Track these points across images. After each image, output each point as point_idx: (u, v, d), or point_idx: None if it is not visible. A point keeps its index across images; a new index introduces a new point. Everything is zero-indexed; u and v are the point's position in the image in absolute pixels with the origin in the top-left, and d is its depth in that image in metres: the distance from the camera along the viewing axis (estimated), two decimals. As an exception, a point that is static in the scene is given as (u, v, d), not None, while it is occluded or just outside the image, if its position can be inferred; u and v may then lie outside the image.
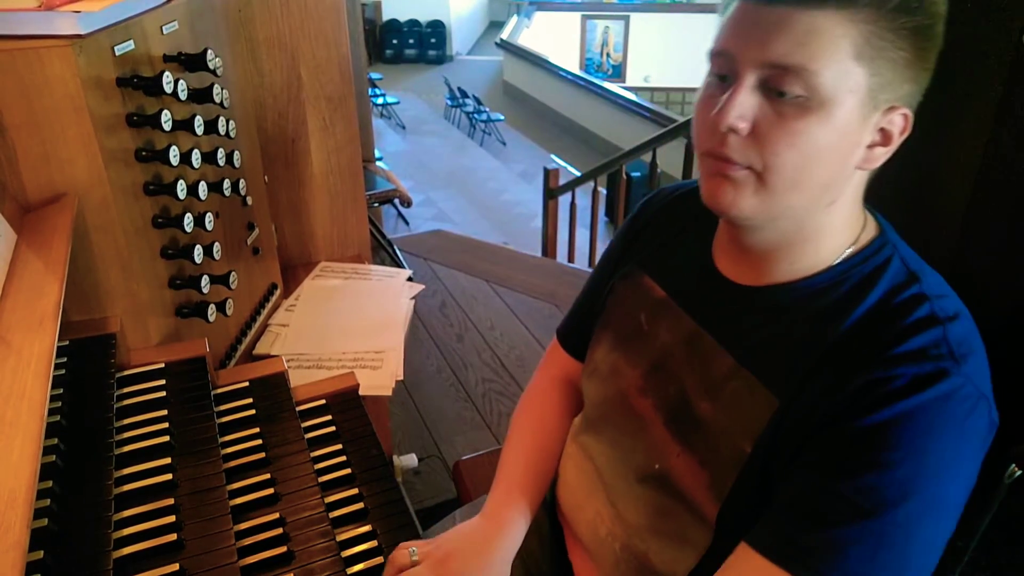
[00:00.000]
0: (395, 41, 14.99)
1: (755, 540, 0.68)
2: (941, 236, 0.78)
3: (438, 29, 15.05)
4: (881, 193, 0.76)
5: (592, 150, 9.31)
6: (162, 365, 1.06)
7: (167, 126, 1.03)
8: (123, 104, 0.98)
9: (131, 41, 0.99)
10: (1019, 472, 0.81)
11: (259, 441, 1.02)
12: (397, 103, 10.67)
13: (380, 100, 10.36)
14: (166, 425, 0.95)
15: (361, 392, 1.21)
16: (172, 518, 0.83)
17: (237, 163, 1.25)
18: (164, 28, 1.07)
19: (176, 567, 0.78)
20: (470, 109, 10.29)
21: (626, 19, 13.71)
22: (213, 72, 1.13)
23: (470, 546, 0.86)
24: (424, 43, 15.07)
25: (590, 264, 4.21)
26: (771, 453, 0.70)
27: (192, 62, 1.10)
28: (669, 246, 0.89)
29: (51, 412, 0.82)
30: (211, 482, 0.90)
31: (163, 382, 1.03)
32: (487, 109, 10.19)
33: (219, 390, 1.11)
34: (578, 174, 4.61)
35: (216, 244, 1.17)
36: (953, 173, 0.89)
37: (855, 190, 0.72)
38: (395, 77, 13.01)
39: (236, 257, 1.33)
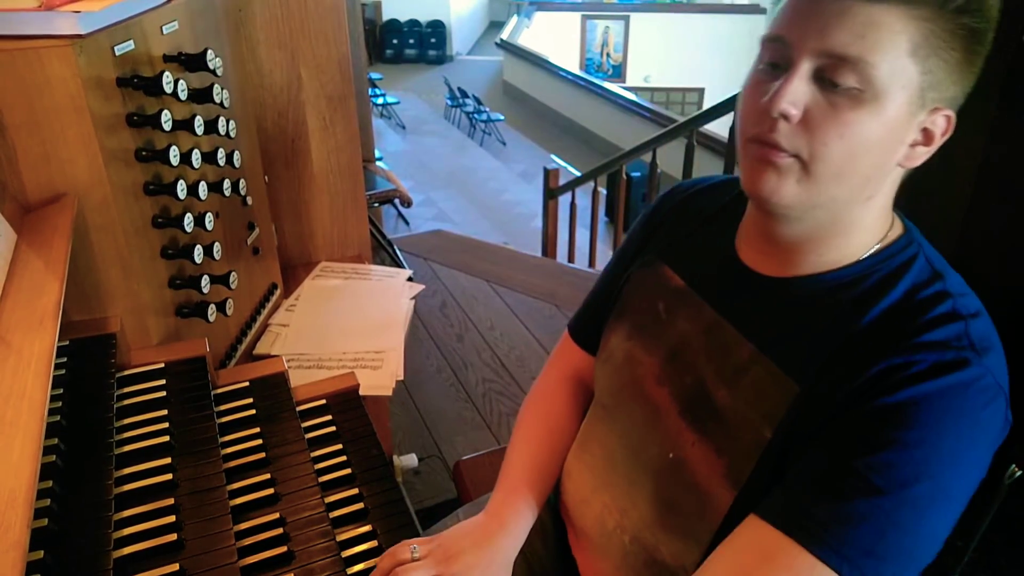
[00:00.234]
0: (395, 41, 15.00)
1: (765, 511, 0.69)
2: (941, 236, 0.78)
3: (438, 29, 15.05)
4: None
5: (592, 150, 9.31)
6: (162, 365, 1.06)
7: (167, 126, 1.03)
8: (123, 104, 0.98)
9: (131, 41, 0.99)
10: (1019, 472, 0.81)
11: (259, 441, 1.02)
12: (397, 103, 10.67)
13: (380, 100, 10.37)
14: (166, 425, 0.95)
15: (361, 392, 1.21)
16: (172, 518, 0.83)
17: (237, 163, 1.25)
18: (164, 28, 1.07)
19: (176, 567, 0.78)
20: (470, 109, 10.29)
21: (626, 19, 13.70)
22: (213, 72, 1.13)
23: (473, 544, 0.86)
24: (424, 43, 15.07)
25: (590, 264, 4.21)
26: (790, 439, 0.71)
27: (192, 62, 1.10)
28: (690, 238, 0.90)
29: (51, 412, 0.82)
30: (211, 482, 0.90)
31: (163, 382, 1.03)
32: (487, 109, 10.19)
33: (219, 390, 1.11)
34: (578, 174, 4.60)
35: (216, 244, 1.17)
36: (953, 173, 0.89)
37: (891, 188, 0.73)
38: (395, 77, 13.01)
39: (236, 257, 1.33)
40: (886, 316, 0.70)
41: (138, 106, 1.01)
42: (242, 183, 1.29)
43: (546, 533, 1.04)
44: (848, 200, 0.70)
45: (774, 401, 0.72)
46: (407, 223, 5.91)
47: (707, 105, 4.03)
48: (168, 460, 0.90)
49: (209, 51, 1.11)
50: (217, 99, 1.16)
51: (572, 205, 4.21)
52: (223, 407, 1.08)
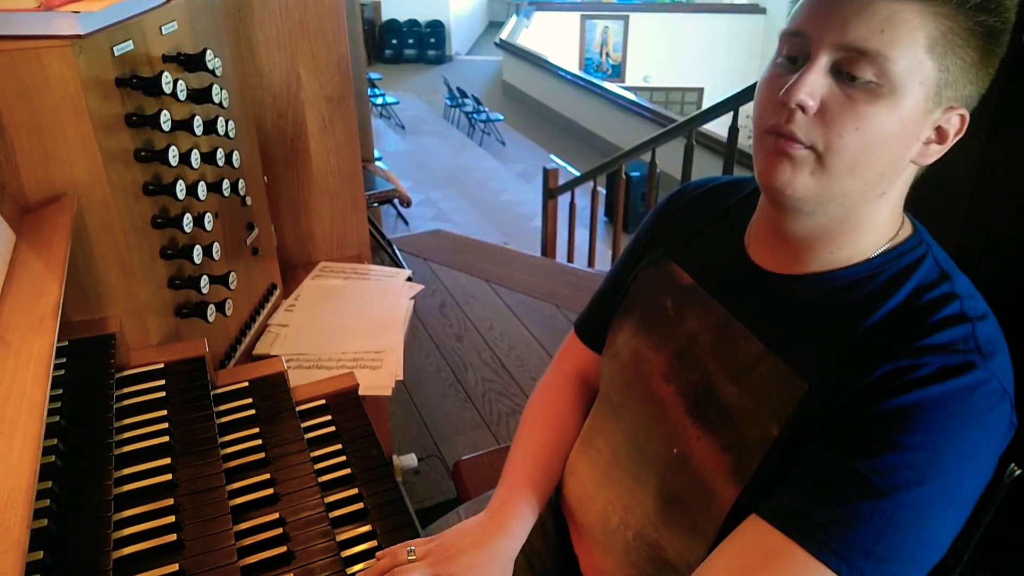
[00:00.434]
0: (394, 41, 15.00)
1: (766, 511, 0.69)
2: (941, 236, 0.78)
3: (437, 29, 15.05)
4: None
5: (592, 150, 9.31)
6: (162, 365, 1.06)
7: (166, 126, 1.03)
8: (122, 104, 0.98)
9: (130, 41, 0.99)
10: (1019, 472, 0.81)
11: (259, 441, 1.02)
12: (396, 103, 10.67)
13: (380, 100, 10.36)
14: (166, 425, 0.95)
15: (361, 392, 1.20)
16: (172, 518, 0.83)
17: (236, 163, 1.25)
18: (163, 28, 1.07)
19: (176, 567, 0.78)
20: (469, 109, 10.29)
21: (625, 19, 13.71)
22: (212, 72, 1.13)
23: (473, 543, 0.86)
24: (423, 43, 15.07)
25: (589, 264, 4.21)
26: (797, 436, 0.71)
27: (191, 62, 1.10)
28: (698, 236, 0.90)
29: (51, 412, 0.82)
30: (211, 482, 0.90)
31: (163, 382, 1.03)
32: (486, 109, 10.19)
33: (219, 390, 1.11)
34: (577, 174, 4.61)
35: (215, 244, 1.17)
36: (953, 173, 0.89)
37: (903, 186, 0.73)
38: (394, 77, 13.01)
39: (236, 257, 1.33)
40: (893, 316, 0.70)
41: (137, 106, 1.01)
42: (241, 183, 1.29)
43: (546, 531, 1.04)
44: (861, 195, 0.70)
45: (782, 398, 0.73)
46: (406, 223, 5.90)
47: (706, 105, 4.02)
48: (168, 460, 0.90)
49: (208, 51, 1.11)
50: (216, 99, 1.16)
51: (571, 205, 4.21)
52: (223, 407, 1.08)
